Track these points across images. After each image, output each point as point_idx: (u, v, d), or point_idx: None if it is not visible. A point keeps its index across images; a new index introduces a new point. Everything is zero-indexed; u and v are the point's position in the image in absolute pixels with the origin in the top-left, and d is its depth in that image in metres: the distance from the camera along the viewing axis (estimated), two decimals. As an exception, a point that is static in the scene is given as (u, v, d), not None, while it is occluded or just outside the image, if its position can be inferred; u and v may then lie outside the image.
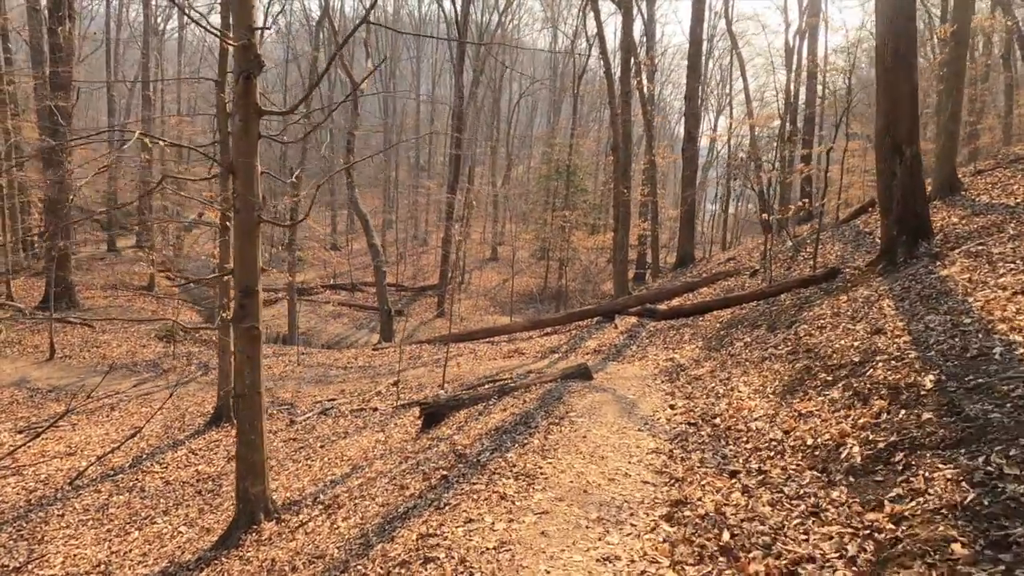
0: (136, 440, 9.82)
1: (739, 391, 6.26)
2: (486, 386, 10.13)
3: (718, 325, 10.56)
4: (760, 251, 16.97)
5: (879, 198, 9.07)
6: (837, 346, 5.81)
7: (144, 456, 9.36)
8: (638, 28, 25.99)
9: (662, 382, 8.25)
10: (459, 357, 13.72)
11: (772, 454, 4.40)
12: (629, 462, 5.04)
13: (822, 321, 7.03)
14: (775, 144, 20.61)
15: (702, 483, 4.31)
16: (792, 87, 20.00)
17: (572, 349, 12.70)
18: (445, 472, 5.59)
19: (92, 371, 14.27)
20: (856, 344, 5.56)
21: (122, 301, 21.69)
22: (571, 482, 4.54)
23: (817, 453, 4.03)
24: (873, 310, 6.49)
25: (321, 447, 8.90)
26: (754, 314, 10.04)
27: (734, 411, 5.67)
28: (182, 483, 8.22)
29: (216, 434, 10.16)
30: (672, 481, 4.52)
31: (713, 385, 6.90)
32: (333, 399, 11.60)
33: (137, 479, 8.50)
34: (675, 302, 14.14)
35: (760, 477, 4.08)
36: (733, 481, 4.19)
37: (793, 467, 4.02)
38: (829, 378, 5.17)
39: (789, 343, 6.94)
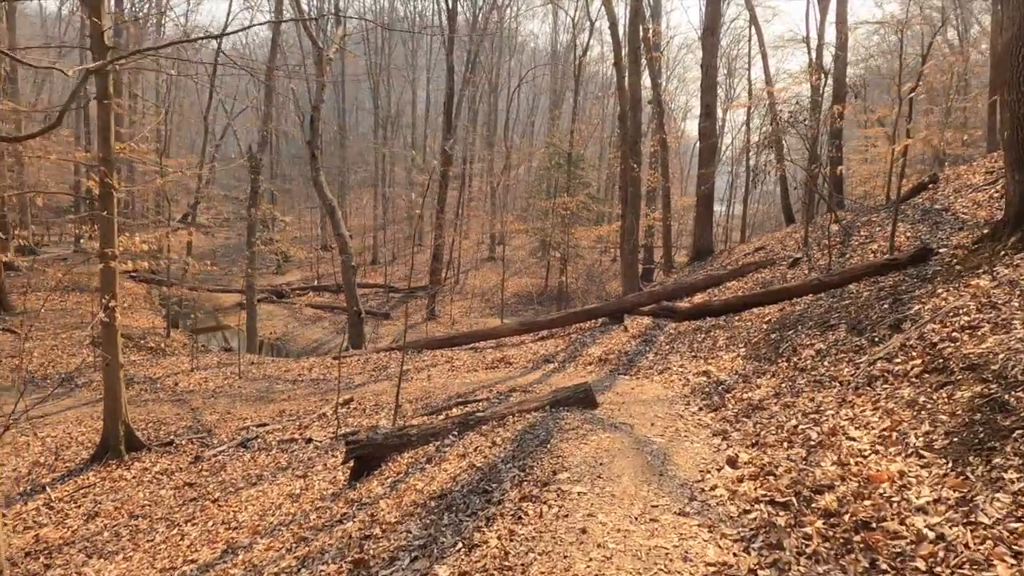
0: (-22, 487, 7.26)
1: (849, 437, 3.63)
2: (453, 410, 7.54)
3: (764, 327, 7.92)
4: (795, 239, 14.29)
5: (1005, 144, 6.43)
6: (1046, 360, 3.19)
7: (-20, 511, 6.79)
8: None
9: (699, 410, 5.63)
10: (432, 368, 11.10)
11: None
12: (673, 604, 2.44)
13: (964, 318, 4.39)
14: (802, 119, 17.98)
15: None
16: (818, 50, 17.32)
17: (571, 358, 10.08)
18: (323, 600, 3.00)
19: (-7, 387, 11.72)
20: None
21: (71, 304, 19.16)
22: None
23: None
24: (1065, 297, 3.87)
25: (215, 500, 6.32)
26: (816, 311, 7.40)
27: (860, 482, 3.05)
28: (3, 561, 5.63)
29: (93, 475, 7.58)
30: None
31: (793, 422, 4.26)
32: (264, 424, 9.02)
33: (-57, 552, 5.93)
34: (699, 299, 11.49)
35: None
36: None
37: None
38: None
39: (915, 352, 4.30)
